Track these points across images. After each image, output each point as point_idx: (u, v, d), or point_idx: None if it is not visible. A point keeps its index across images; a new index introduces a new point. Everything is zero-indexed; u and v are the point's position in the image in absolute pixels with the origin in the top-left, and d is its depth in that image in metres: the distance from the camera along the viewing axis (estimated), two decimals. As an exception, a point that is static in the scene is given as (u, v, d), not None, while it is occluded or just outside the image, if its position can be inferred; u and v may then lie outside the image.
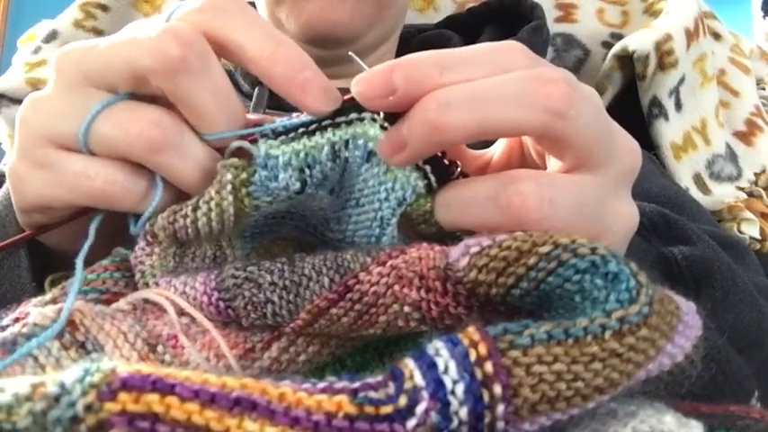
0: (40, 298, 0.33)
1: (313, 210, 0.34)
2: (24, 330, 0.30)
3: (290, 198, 0.32)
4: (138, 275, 0.33)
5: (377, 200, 0.33)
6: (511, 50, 0.31)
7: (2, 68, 0.93)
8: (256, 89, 0.59)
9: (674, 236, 0.49)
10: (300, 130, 0.32)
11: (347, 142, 0.32)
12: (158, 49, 0.31)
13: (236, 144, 0.33)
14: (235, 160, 0.32)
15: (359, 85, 0.30)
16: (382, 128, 0.32)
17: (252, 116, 0.35)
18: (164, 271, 0.33)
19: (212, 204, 0.32)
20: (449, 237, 0.32)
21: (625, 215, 0.33)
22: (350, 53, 0.36)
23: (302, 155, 0.32)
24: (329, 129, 0.32)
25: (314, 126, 0.32)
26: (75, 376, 0.21)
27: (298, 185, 0.32)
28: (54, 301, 0.32)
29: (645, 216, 0.49)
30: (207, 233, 0.33)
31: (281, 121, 0.33)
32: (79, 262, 0.32)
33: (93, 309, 0.31)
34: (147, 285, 0.33)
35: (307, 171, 0.32)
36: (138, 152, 0.32)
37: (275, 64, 0.32)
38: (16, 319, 0.31)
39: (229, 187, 0.31)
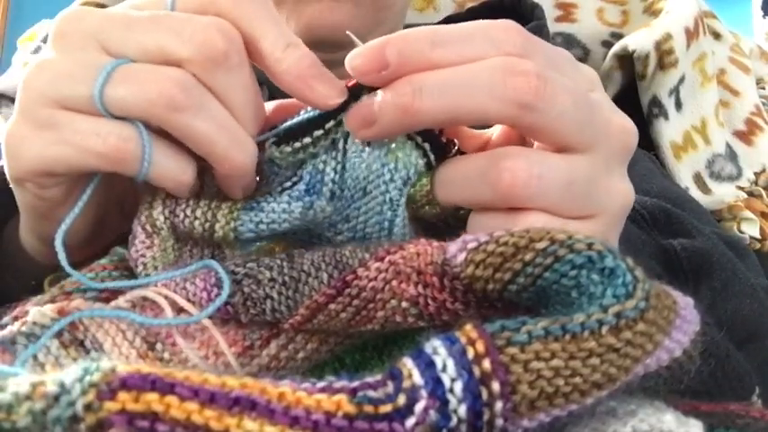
0: (38, 297, 0.33)
1: (318, 224, 0.34)
2: (23, 329, 0.30)
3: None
4: (140, 268, 0.33)
5: (383, 182, 0.33)
6: (506, 29, 0.31)
7: (2, 68, 0.93)
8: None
9: (673, 229, 0.49)
10: (305, 140, 0.32)
11: (347, 135, 0.33)
12: (203, 40, 0.30)
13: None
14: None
15: (353, 60, 0.30)
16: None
17: (269, 104, 0.35)
18: (165, 263, 0.33)
19: (209, 215, 0.32)
20: (452, 218, 0.33)
21: (618, 193, 0.33)
22: (347, 32, 0.36)
23: (304, 158, 0.33)
24: (330, 132, 0.33)
25: (317, 133, 0.33)
26: (75, 375, 0.21)
27: (293, 181, 0.32)
28: (53, 300, 0.32)
29: (645, 209, 0.49)
30: (200, 236, 0.33)
31: (289, 120, 0.33)
32: (61, 232, 0.32)
33: (92, 307, 0.31)
34: (148, 276, 0.33)
35: (303, 166, 0.33)
36: (159, 111, 0.30)
37: (283, 61, 0.32)
38: (15, 318, 0.31)
39: (226, 210, 0.33)
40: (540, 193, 0.30)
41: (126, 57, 0.31)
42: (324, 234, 0.35)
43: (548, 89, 0.29)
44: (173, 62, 0.31)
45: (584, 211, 0.31)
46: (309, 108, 0.33)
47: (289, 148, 0.33)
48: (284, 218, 0.33)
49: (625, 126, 0.33)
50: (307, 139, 0.32)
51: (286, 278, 0.30)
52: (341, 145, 0.33)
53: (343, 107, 0.32)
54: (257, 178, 0.34)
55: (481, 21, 0.32)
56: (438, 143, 0.33)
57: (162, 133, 0.32)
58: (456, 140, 0.34)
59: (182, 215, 0.33)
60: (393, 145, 0.33)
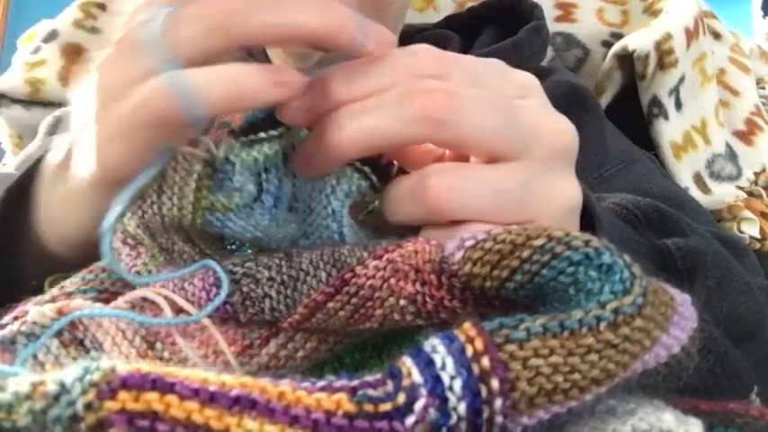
0: (39, 297, 0.33)
1: (279, 239, 0.34)
2: (23, 329, 0.30)
3: (251, 217, 0.33)
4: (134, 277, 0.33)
5: (324, 197, 0.34)
6: (414, 54, 0.32)
7: (2, 68, 0.93)
8: None
9: (667, 228, 0.49)
10: (260, 134, 0.33)
11: (294, 146, 0.34)
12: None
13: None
14: (205, 154, 0.32)
15: (283, 110, 0.32)
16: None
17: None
18: (157, 266, 0.33)
19: (175, 189, 0.32)
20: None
21: (559, 197, 0.33)
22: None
23: (260, 161, 0.33)
24: (286, 133, 0.33)
25: (272, 133, 0.33)
26: (75, 375, 0.21)
27: (253, 189, 0.32)
28: (53, 300, 0.32)
29: (639, 209, 0.49)
30: (172, 222, 0.33)
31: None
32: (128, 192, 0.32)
33: (91, 306, 0.31)
34: (146, 284, 0.33)
35: (263, 175, 0.33)
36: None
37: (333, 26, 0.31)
38: (15, 318, 0.31)
39: (195, 176, 0.32)
40: (467, 205, 0.30)
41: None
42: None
43: (456, 102, 0.30)
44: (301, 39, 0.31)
45: (520, 217, 0.31)
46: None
47: (244, 138, 0.33)
48: (249, 230, 0.33)
49: (559, 127, 0.33)
50: (261, 134, 0.33)
51: (284, 277, 0.30)
52: (291, 156, 0.34)
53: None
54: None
55: (398, 49, 0.33)
56: (378, 165, 0.34)
57: None
58: (395, 161, 0.35)
59: (149, 210, 0.33)
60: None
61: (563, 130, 0.34)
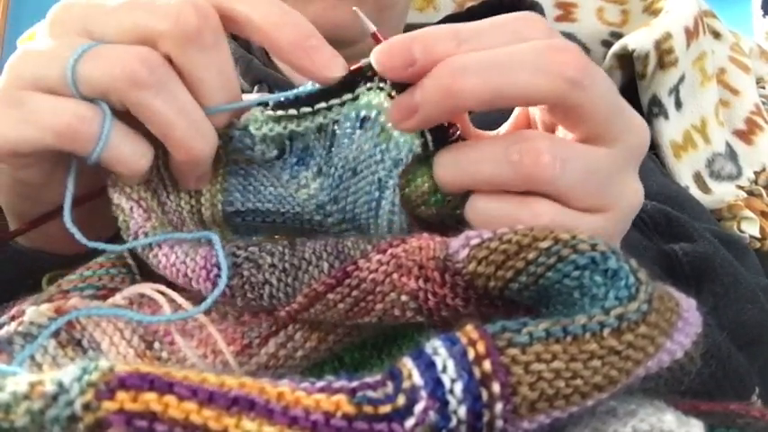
0: (36, 296, 0.33)
1: (303, 201, 0.34)
2: (20, 329, 0.30)
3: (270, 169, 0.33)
4: (141, 237, 0.32)
5: (373, 162, 0.33)
6: (529, 21, 0.31)
7: (2, 68, 0.93)
8: (256, 87, 0.59)
9: (675, 233, 0.49)
10: (291, 111, 0.33)
11: (335, 122, 0.33)
12: (176, 15, 0.31)
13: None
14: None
15: (379, 55, 0.30)
16: (389, 96, 0.32)
17: (250, 96, 0.35)
18: (165, 231, 0.33)
19: (192, 195, 0.34)
20: (448, 219, 0.32)
21: (632, 191, 0.33)
22: (354, 8, 0.36)
23: (285, 135, 0.33)
24: (319, 113, 0.33)
25: (305, 110, 0.33)
26: (73, 375, 0.21)
27: (275, 153, 0.33)
28: (50, 299, 0.32)
29: (646, 213, 0.49)
30: (192, 220, 0.34)
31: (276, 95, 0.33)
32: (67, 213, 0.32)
33: (89, 305, 0.31)
34: (150, 246, 0.32)
35: (287, 143, 0.33)
36: (120, 86, 0.30)
37: (281, 30, 0.32)
38: (12, 318, 0.30)
39: (210, 186, 0.34)
40: (560, 177, 0.29)
41: (106, 38, 0.32)
42: (313, 218, 0.35)
43: (593, 69, 0.29)
44: (149, 40, 0.31)
45: (598, 203, 0.30)
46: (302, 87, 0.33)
47: (271, 113, 0.33)
48: (270, 190, 0.33)
49: (642, 123, 0.33)
50: (292, 111, 0.33)
51: (286, 265, 0.30)
52: (329, 129, 0.33)
53: (337, 93, 0.32)
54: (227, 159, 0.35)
55: (504, 15, 0.31)
56: (438, 127, 0.32)
57: (128, 121, 0.32)
58: (457, 124, 0.33)
59: (168, 203, 0.33)
60: (389, 125, 0.33)
61: (645, 128, 0.33)
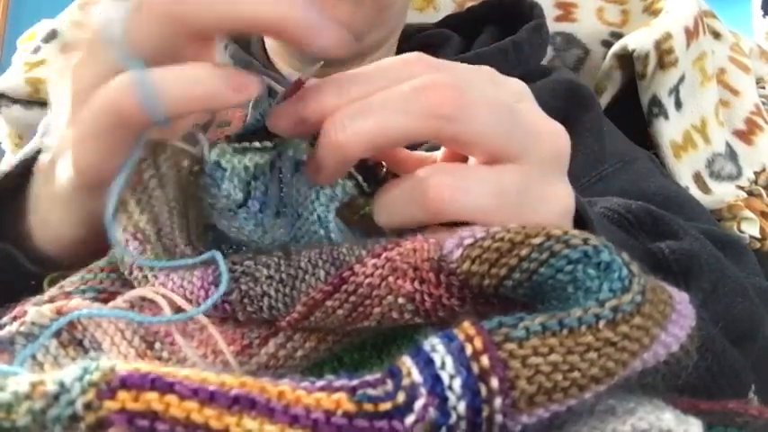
0: (38, 297, 0.33)
1: (268, 246, 0.34)
2: (22, 329, 0.30)
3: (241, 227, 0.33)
4: (135, 272, 0.33)
5: (309, 202, 0.34)
6: (413, 61, 0.32)
7: (2, 68, 0.93)
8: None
9: (660, 231, 0.49)
10: (254, 144, 0.33)
11: (280, 154, 0.34)
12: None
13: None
14: (195, 150, 0.33)
15: (273, 120, 0.32)
16: (310, 143, 0.34)
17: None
18: (161, 259, 0.33)
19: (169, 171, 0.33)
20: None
21: (555, 198, 0.33)
22: (264, 79, 0.36)
23: (251, 170, 0.33)
24: (280, 144, 0.33)
25: (270, 143, 0.33)
26: (75, 375, 0.21)
27: (240, 196, 0.32)
28: (51, 300, 0.32)
29: (631, 213, 0.49)
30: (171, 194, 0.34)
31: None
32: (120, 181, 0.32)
33: (90, 306, 0.31)
34: (146, 279, 0.32)
35: (252, 183, 0.33)
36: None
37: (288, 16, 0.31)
38: (14, 318, 0.31)
39: (184, 171, 0.33)
40: (468, 206, 0.30)
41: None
42: None
43: (464, 99, 0.30)
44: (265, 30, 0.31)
45: (516, 218, 0.30)
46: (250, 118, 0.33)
47: (237, 145, 0.33)
48: (233, 232, 0.33)
49: (555, 130, 0.33)
50: (255, 143, 0.33)
51: (283, 275, 0.30)
52: (277, 164, 0.34)
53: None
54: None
55: (387, 59, 0.33)
56: (366, 168, 0.34)
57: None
58: (384, 162, 0.34)
59: (165, 230, 0.33)
60: None
61: (558, 134, 0.34)
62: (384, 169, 0.34)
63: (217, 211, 0.33)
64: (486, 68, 0.34)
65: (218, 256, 0.32)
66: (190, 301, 0.31)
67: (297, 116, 0.31)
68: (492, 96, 0.31)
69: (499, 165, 0.31)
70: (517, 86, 0.34)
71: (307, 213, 0.34)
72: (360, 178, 0.34)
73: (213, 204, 0.33)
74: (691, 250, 0.46)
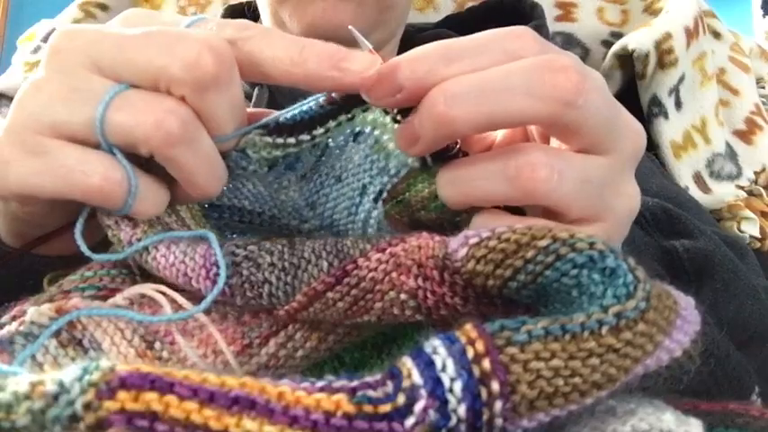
0: (37, 296, 0.33)
1: (282, 203, 0.35)
2: (21, 329, 0.30)
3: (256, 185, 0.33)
4: (135, 246, 0.32)
5: (361, 170, 0.34)
6: (519, 36, 0.31)
7: (2, 68, 0.93)
8: (256, 89, 0.59)
9: (675, 230, 0.49)
10: (289, 140, 0.33)
11: (327, 145, 0.33)
12: (194, 62, 0.30)
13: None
14: None
15: (365, 85, 0.30)
16: (394, 120, 0.33)
17: (251, 110, 0.35)
18: (155, 233, 0.32)
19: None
20: (448, 223, 0.33)
21: (628, 196, 0.33)
22: (349, 27, 0.35)
23: (280, 158, 0.33)
24: (318, 128, 0.33)
25: (303, 137, 0.33)
26: (74, 375, 0.21)
27: (266, 170, 0.33)
28: (51, 299, 0.32)
29: (647, 210, 0.49)
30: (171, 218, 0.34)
31: (277, 113, 0.33)
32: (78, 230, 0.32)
33: (90, 305, 0.31)
34: (147, 251, 0.32)
35: (280, 161, 0.33)
36: (155, 143, 0.30)
37: (306, 63, 0.31)
38: (13, 318, 0.31)
39: None
40: (558, 189, 0.29)
41: (119, 77, 0.31)
42: (290, 222, 0.35)
43: (586, 84, 0.29)
44: (163, 83, 0.30)
45: (594, 213, 0.31)
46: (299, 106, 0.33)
47: (269, 140, 0.33)
48: (249, 187, 0.34)
49: (638, 128, 0.33)
50: (291, 140, 0.33)
51: (286, 264, 0.30)
52: (323, 143, 0.33)
53: (334, 115, 0.32)
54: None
55: (493, 30, 0.31)
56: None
57: (140, 163, 0.32)
58: (458, 140, 0.33)
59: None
60: (385, 137, 0.33)
61: (641, 133, 0.33)
62: (458, 146, 0.33)
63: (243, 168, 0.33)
64: (573, 55, 0.32)
65: (211, 235, 0.32)
66: (189, 279, 0.31)
67: (394, 83, 0.30)
68: (600, 86, 0.30)
69: (590, 154, 0.31)
70: (601, 78, 0.33)
71: (353, 179, 0.34)
72: (428, 155, 0.32)
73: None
74: (705, 250, 0.46)
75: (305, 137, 0.33)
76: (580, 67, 0.30)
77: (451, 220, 0.32)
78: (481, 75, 0.29)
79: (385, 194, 0.33)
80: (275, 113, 0.34)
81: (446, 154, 0.32)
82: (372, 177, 0.33)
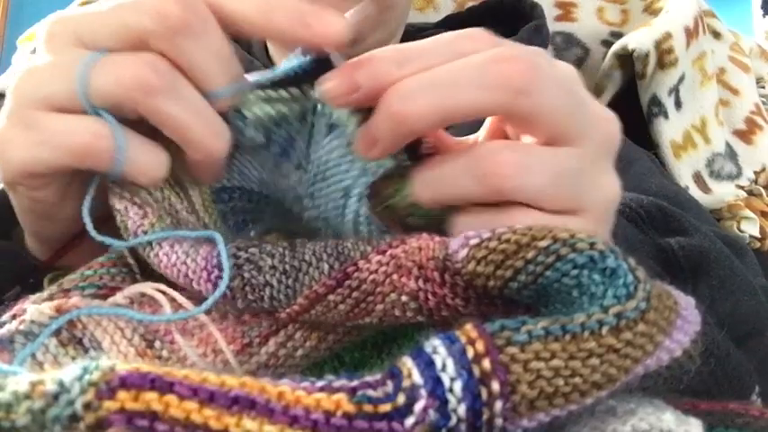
0: (37, 295, 0.33)
1: (286, 190, 0.35)
2: (21, 327, 0.30)
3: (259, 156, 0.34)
4: (140, 236, 0.32)
5: (340, 171, 0.34)
6: (472, 37, 0.31)
7: (2, 68, 0.93)
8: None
9: (671, 227, 0.49)
10: (281, 92, 0.33)
11: (315, 108, 0.33)
12: (158, 9, 0.31)
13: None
14: None
15: (324, 85, 0.31)
16: (351, 114, 0.33)
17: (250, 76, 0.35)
18: (163, 228, 0.33)
19: (181, 187, 0.34)
20: (437, 232, 0.32)
21: (605, 186, 0.32)
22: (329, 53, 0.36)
23: (274, 117, 0.33)
24: (304, 96, 0.33)
25: (294, 90, 0.33)
26: (74, 374, 0.21)
27: (262, 139, 0.33)
28: (51, 298, 0.32)
29: (642, 208, 0.49)
30: (183, 206, 0.34)
31: (270, 72, 0.33)
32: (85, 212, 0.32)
33: (90, 304, 0.31)
34: (151, 246, 0.32)
35: (274, 129, 0.33)
36: (134, 95, 0.30)
37: (275, 15, 0.32)
38: (13, 316, 0.31)
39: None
40: (526, 184, 0.29)
41: (100, 45, 0.32)
42: (293, 208, 0.36)
43: (538, 73, 0.29)
44: (139, 40, 0.31)
45: (571, 204, 0.30)
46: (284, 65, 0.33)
47: (261, 93, 0.33)
48: (254, 173, 0.34)
49: (608, 115, 0.33)
50: (283, 93, 0.33)
51: (287, 266, 0.30)
52: (309, 119, 0.33)
53: (317, 73, 0.32)
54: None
55: (447, 33, 0.32)
56: (408, 145, 0.33)
57: (137, 129, 0.32)
58: (426, 138, 0.33)
59: (159, 196, 0.34)
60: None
61: (612, 120, 0.33)
62: (429, 144, 0.33)
63: (241, 147, 0.34)
64: (539, 49, 0.33)
65: (218, 236, 0.32)
66: (191, 280, 0.31)
67: (351, 83, 0.30)
68: (558, 75, 0.31)
69: (558, 146, 0.31)
70: (569, 69, 0.33)
71: (334, 180, 0.34)
72: (403, 155, 0.33)
73: (237, 143, 0.33)
74: (700, 247, 0.46)
75: (295, 90, 0.33)
76: (533, 57, 0.30)
77: (440, 227, 0.32)
78: (433, 71, 0.29)
79: (368, 191, 0.34)
80: (268, 71, 0.34)
81: (419, 153, 0.33)
82: (354, 179, 0.34)
